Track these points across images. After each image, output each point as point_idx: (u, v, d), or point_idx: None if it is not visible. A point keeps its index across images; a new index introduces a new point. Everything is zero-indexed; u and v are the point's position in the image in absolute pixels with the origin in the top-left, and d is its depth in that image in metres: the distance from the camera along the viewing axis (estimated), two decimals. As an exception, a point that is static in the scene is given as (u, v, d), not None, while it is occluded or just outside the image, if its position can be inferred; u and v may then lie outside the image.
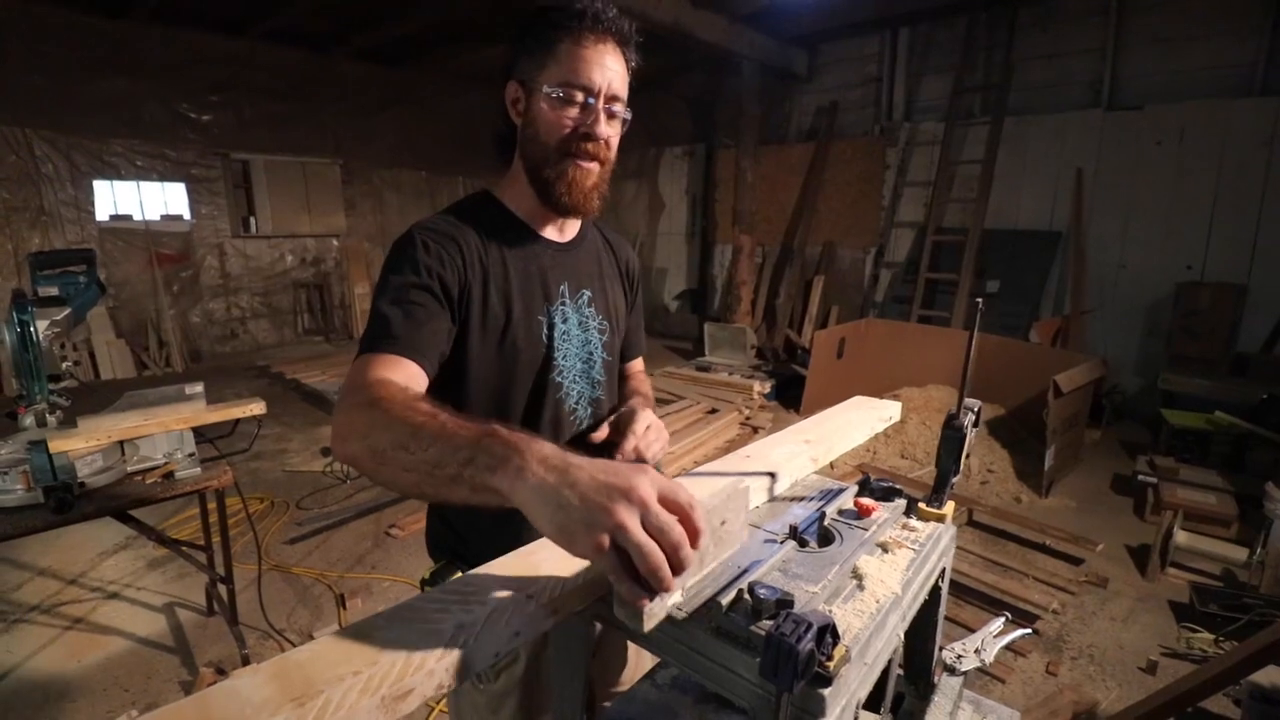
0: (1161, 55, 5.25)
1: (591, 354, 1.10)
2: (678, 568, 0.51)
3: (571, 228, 1.11)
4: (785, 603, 0.60)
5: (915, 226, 6.61)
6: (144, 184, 7.09)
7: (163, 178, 7.12)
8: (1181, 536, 2.98)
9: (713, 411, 5.01)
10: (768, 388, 5.50)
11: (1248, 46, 4.90)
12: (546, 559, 0.66)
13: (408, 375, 0.85)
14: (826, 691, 0.53)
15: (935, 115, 6.44)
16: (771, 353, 6.77)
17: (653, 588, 0.51)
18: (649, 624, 0.55)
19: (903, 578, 0.71)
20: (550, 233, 1.07)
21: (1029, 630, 1.08)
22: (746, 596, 0.61)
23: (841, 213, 7.19)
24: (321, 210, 8.26)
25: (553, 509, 0.52)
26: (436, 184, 9.21)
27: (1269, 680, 1.82)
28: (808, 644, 0.49)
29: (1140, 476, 3.73)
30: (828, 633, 0.54)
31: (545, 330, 1.03)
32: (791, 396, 5.41)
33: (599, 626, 0.73)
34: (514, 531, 1.03)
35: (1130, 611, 2.73)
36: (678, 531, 0.51)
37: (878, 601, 0.66)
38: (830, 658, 0.54)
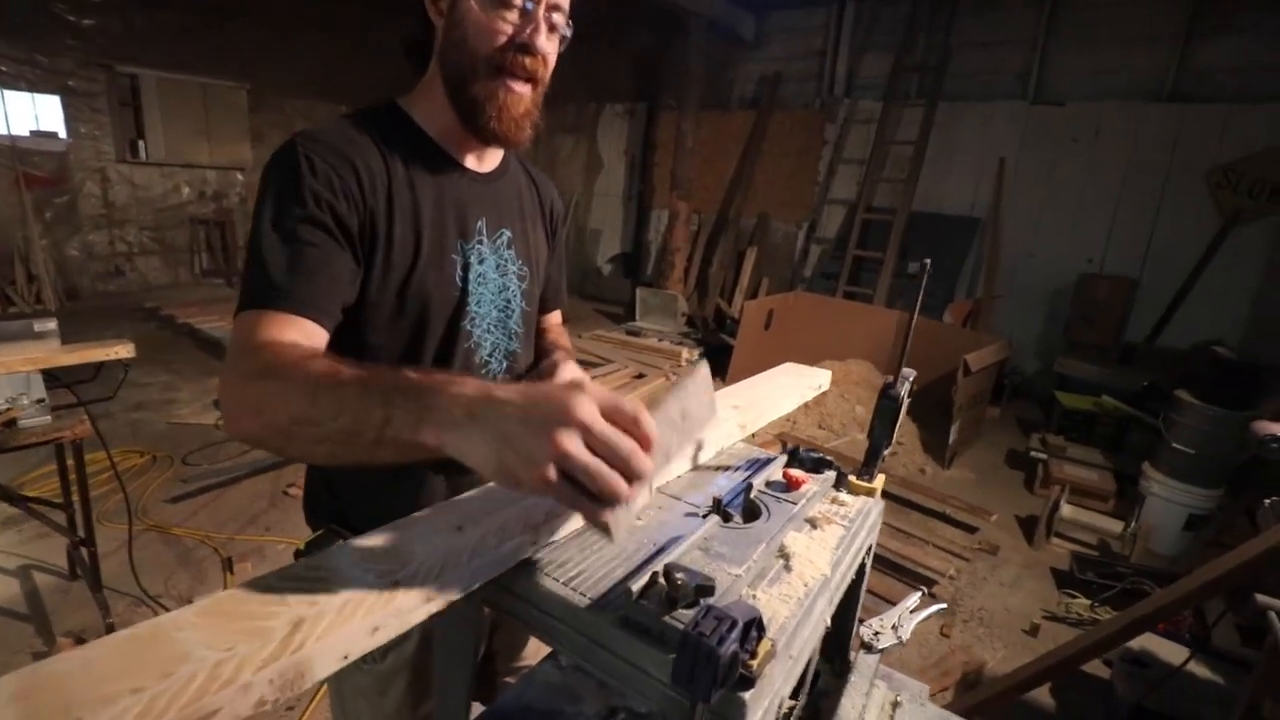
0: (1087, 53, 5.46)
1: (509, 302, 0.96)
2: (635, 476, 0.49)
3: (493, 157, 0.96)
4: (705, 589, 0.52)
5: (847, 204, 6.70)
6: (9, 93, 6.18)
7: (33, 88, 6.23)
8: (1066, 509, 3.19)
9: (640, 376, 4.96)
10: (695, 355, 5.49)
11: (1162, 52, 5.16)
12: (424, 534, 0.55)
13: (304, 335, 0.72)
14: (748, 695, 0.45)
15: (874, 93, 6.50)
16: (701, 321, 6.76)
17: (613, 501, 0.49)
18: (618, 536, 0.52)
19: (832, 557, 0.65)
20: (469, 160, 0.92)
21: (943, 605, 1.06)
22: (661, 581, 0.53)
23: (777, 185, 7.20)
24: (224, 139, 7.50)
25: (489, 451, 0.49)
26: (357, 122, 8.53)
27: (1138, 644, 1.96)
28: (730, 646, 0.41)
29: (1032, 453, 3.98)
30: (753, 627, 0.46)
31: (459, 271, 0.89)
32: (719, 365, 5.42)
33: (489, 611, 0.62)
34: (408, 493, 0.91)
35: (1017, 577, 2.90)
36: (626, 443, 0.49)
37: (805, 585, 0.60)
38: (754, 655, 0.46)
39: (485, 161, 0.95)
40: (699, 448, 0.81)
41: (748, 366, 5.22)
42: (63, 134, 6.49)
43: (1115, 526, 3.08)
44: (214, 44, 7.04)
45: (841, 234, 6.66)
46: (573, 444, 0.47)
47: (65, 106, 6.43)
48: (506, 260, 0.96)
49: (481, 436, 0.50)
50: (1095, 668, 2.25)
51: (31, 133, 6.36)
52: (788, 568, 0.62)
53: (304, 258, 0.73)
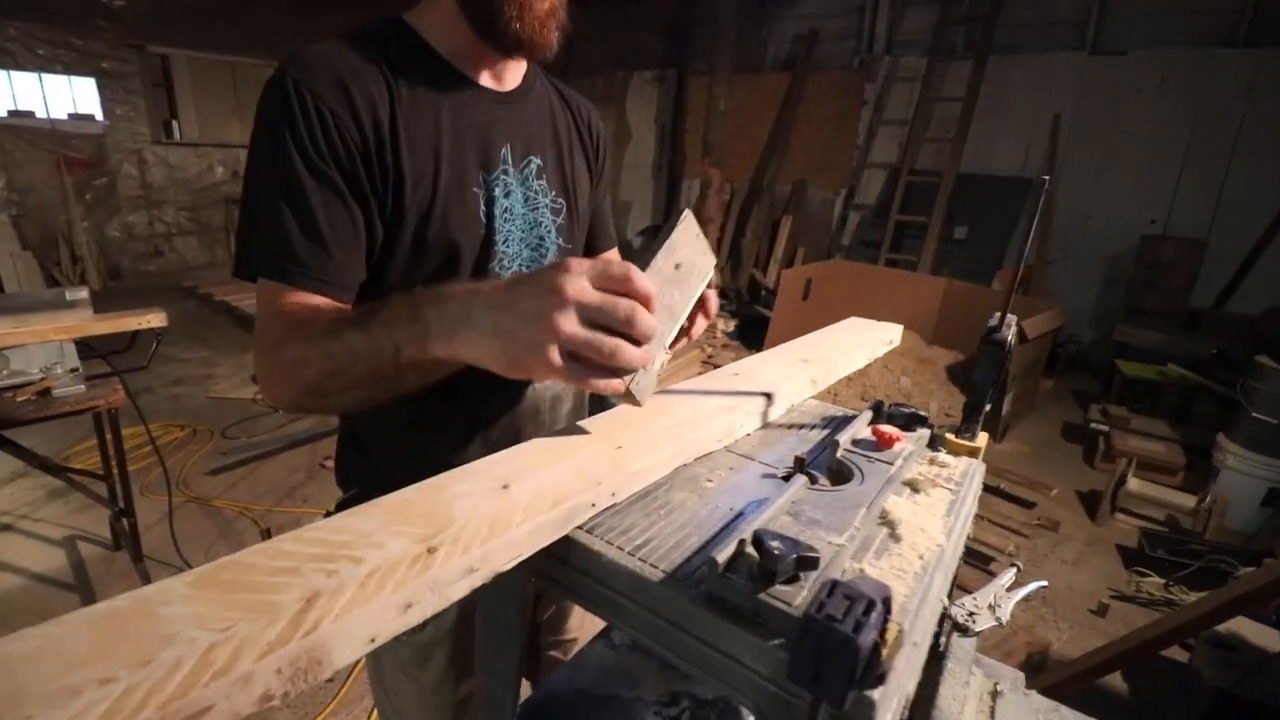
0: (1151, -3, 5.07)
1: (542, 239, 0.84)
2: (642, 338, 0.50)
3: (514, 74, 0.83)
4: (808, 561, 0.42)
5: (887, 168, 6.42)
6: (47, 76, 6.28)
7: (69, 70, 6.31)
8: (1133, 483, 3.00)
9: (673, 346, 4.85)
10: (731, 326, 5.36)
11: (1237, -7, 4.76)
12: (465, 494, 0.46)
13: (325, 304, 0.69)
14: (878, 693, 0.35)
15: (917, 50, 6.16)
16: (735, 293, 6.60)
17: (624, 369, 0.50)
18: (643, 398, 0.54)
19: (945, 524, 0.55)
20: (487, 79, 0.79)
21: (1044, 583, 0.94)
22: (751, 550, 0.43)
23: (814, 150, 6.93)
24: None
25: (493, 347, 0.51)
26: (385, 97, 8.49)
27: (1224, 626, 1.81)
28: (870, 634, 0.31)
29: (1093, 425, 3.77)
30: (886, 608, 0.36)
31: (482, 206, 0.77)
32: (754, 337, 5.28)
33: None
34: (445, 453, 0.82)
35: (1080, 555, 2.75)
36: (624, 305, 0.49)
37: (921, 557, 0.49)
38: (883, 641, 0.36)
39: (506, 79, 0.82)
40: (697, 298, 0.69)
41: (786, 338, 5.04)
42: (99, 116, 6.57)
43: (1187, 501, 2.89)
44: (240, 22, 7.01)
45: (882, 199, 6.38)
46: (569, 323, 0.48)
47: (101, 88, 6.50)
48: (537, 192, 0.83)
49: (480, 336, 0.51)
50: (1172, 651, 2.11)
51: (70, 115, 6.45)
52: (894, 537, 0.52)
53: (314, 224, 0.66)
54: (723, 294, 6.45)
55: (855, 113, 6.58)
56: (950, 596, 0.79)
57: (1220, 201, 4.94)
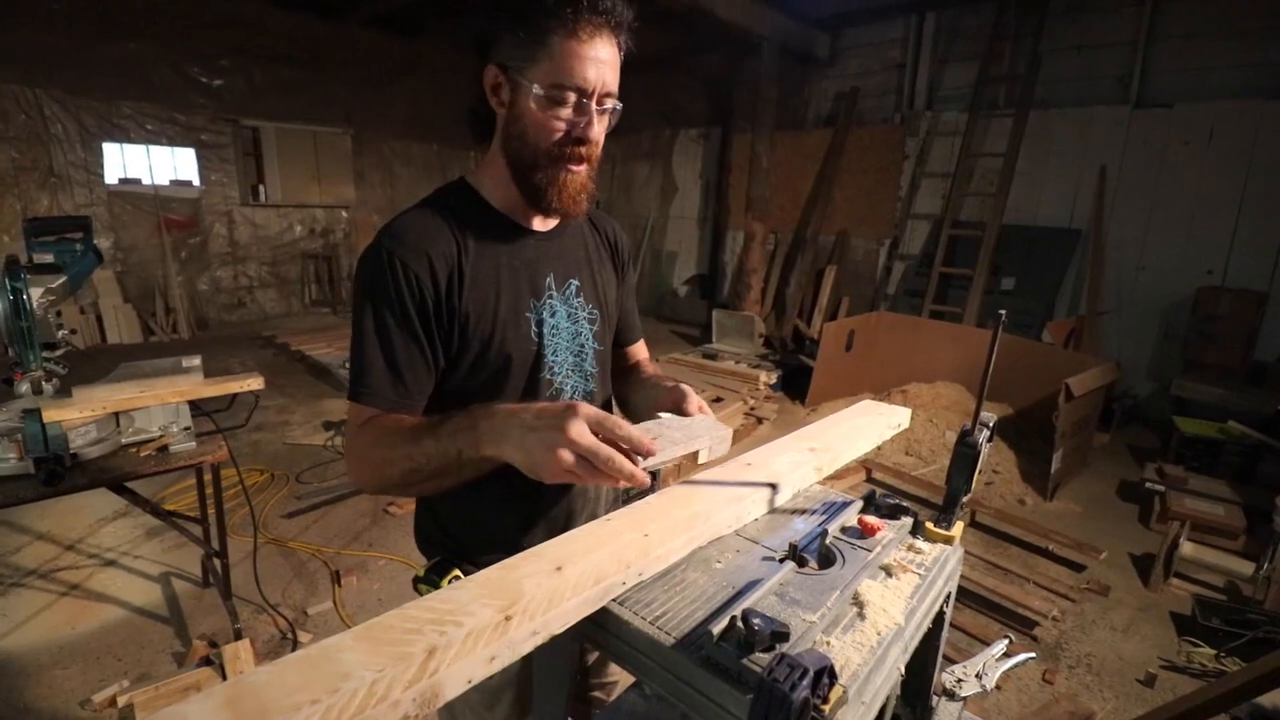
0: (1194, 51, 5.09)
1: (583, 346, 1.04)
2: (616, 475, 0.70)
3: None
4: (780, 635, 0.56)
5: (931, 219, 6.49)
6: (153, 148, 7.05)
7: (172, 142, 7.07)
8: (1187, 547, 2.93)
9: (717, 400, 4.97)
10: (774, 378, 5.44)
11: (1283, 45, 4.74)
12: (531, 574, 0.62)
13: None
14: (821, 738, 0.49)
15: (958, 105, 6.29)
16: (779, 342, 6.70)
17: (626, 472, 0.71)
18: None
19: (906, 606, 0.68)
20: (534, 223, 1.01)
21: (1032, 655, 1.04)
22: (739, 625, 0.58)
23: (857, 202, 7.07)
24: (331, 181, 8.20)
25: (518, 457, 0.73)
26: (448, 158, 9.12)
27: (1269, 700, 1.79)
28: (802, 692, 0.46)
29: (1148, 484, 3.68)
30: (824, 674, 0.50)
31: (534, 328, 0.98)
32: (798, 387, 5.35)
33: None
34: (513, 524, 1.01)
35: (1131, 621, 2.69)
36: (604, 453, 0.69)
37: (879, 634, 0.62)
38: (826, 700, 0.50)
39: (548, 220, 1.03)
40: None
41: (828, 389, 5.13)
42: (196, 182, 7.32)
43: (1245, 568, 2.80)
44: (322, 95, 7.75)
45: (927, 250, 6.44)
46: (566, 456, 0.68)
47: (199, 158, 7.25)
48: (577, 308, 1.04)
49: (511, 447, 0.73)
50: (1221, 724, 2.06)
51: (171, 182, 7.21)
52: (861, 615, 0.65)
53: (395, 360, 0.89)
54: (767, 343, 6.56)
55: (897, 165, 6.71)
56: (939, 663, 0.90)
57: (1281, 252, 4.82)
